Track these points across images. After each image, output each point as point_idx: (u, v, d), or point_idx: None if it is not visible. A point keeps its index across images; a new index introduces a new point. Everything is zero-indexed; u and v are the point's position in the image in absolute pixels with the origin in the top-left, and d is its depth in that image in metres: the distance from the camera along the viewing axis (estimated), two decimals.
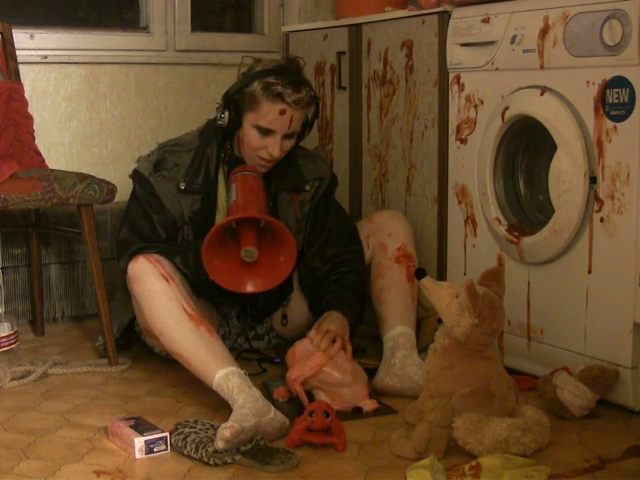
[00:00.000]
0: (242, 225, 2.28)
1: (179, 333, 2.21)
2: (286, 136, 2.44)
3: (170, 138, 2.61)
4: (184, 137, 2.59)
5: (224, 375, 2.12)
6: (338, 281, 2.54)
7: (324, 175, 2.62)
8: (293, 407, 2.21)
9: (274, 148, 2.43)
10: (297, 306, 2.66)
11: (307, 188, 2.58)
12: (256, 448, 1.95)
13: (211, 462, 1.92)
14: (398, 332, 2.44)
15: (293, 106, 2.39)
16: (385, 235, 2.60)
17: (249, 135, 2.45)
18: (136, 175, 2.53)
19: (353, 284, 2.54)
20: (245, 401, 2.03)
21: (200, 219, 2.49)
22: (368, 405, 2.23)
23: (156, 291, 2.25)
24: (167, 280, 2.26)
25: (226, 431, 1.92)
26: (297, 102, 2.39)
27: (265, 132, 2.42)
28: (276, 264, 2.28)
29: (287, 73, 2.42)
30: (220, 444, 1.93)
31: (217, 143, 2.51)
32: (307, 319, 2.64)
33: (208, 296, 2.53)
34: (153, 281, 2.26)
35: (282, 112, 2.39)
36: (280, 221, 2.31)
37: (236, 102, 2.44)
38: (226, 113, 2.45)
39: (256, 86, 2.40)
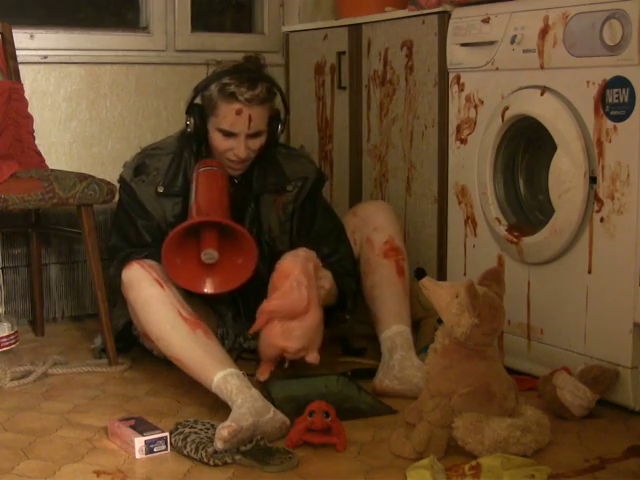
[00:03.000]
0: (204, 226, 2.29)
1: (176, 338, 2.21)
2: (250, 135, 2.44)
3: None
4: (165, 140, 2.62)
5: (222, 377, 2.12)
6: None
7: (308, 174, 2.60)
8: (293, 407, 2.21)
9: (239, 149, 2.43)
10: None
11: (289, 188, 2.56)
12: (256, 448, 1.95)
13: (211, 462, 1.92)
14: (394, 331, 2.43)
15: (248, 104, 2.39)
16: (371, 229, 2.57)
17: (214, 139, 2.46)
18: (120, 181, 2.56)
19: (346, 282, 2.52)
20: (244, 401, 2.03)
21: (182, 222, 2.49)
22: (310, 358, 2.27)
23: (150, 296, 2.26)
24: (161, 285, 2.27)
25: (224, 430, 1.92)
26: (251, 99, 2.39)
27: (227, 134, 2.43)
28: (236, 266, 2.30)
29: (242, 71, 2.43)
30: (219, 444, 1.92)
31: (193, 149, 2.53)
32: None
33: (202, 298, 2.53)
34: (147, 287, 2.27)
35: (238, 112, 2.39)
36: (241, 225, 2.32)
37: (199, 107, 2.47)
38: (191, 120, 2.47)
39: (213, 88, 2.42)
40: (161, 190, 2.50)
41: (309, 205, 2.59)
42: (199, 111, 2.47)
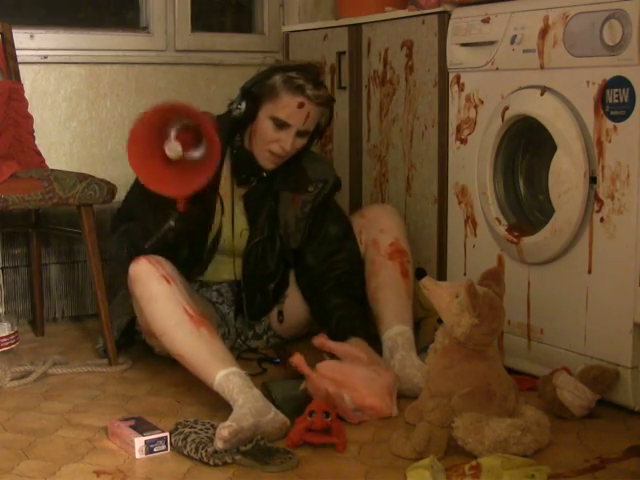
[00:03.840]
0: (169, 126, 2.26)
1: (180, 334, 2.21)
2: (300, 133, 2.46)
3: None
4: None
5: (225, 375, 2.12)
6: (338, 289, 2.54)
7: (328, 177, 2.63)
8: (293, 407, 2.20)
9: (286, 142, 2.45)
10: (293, 303, 2.67)
11: (310, 189, 2.59)
12: (256, 448, 1.95)
13: (211, 462, 1.92)
14: (396, 332, 2.43)
15: (312, 100, 2.43)
16: (377, 231, 2.59)
17: (263, 126, 2.46)
18: None
19: (352, 289, 2.54)
20: (245, 401, 2.03)
21: (199, 212, 2.48)
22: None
23: (157, 292, 2.26)
24: (168, 281, 2.27)
25: (224, 430, 1.92)
26: (317, 97, 2.43)
27: (280, 125, 2.44)
28: (199, 169, 2.25)
29: (308, 71, 2.47)
30: (219, 444, 1.93)
31: (226, 136, 2.50)
32: (303, 316, 2.66)
33: (204, 298, 2.54)
34: (154, 282, 2.27)
35: (301, 105, 2.42)
36: (210, 126, 2.25)
37: (253, 94, 2.47)
38: (243, 104, 2.47)
39: (277, 78, 2.44)
40: None
41: (324, 207, 2.62)
42: (252, 97, 2.47)
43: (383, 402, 2.20)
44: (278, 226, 2.59)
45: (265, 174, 2.55)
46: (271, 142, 2.46)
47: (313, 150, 2.67)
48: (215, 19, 3.75)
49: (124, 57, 3.33)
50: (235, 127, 2.51)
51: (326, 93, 2.48)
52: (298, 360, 2.19)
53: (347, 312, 2.50)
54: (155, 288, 2.26)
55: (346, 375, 2.21)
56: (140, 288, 2.29)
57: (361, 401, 2.17)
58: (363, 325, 2.49)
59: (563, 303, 2.35)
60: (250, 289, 2.62)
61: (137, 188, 2.46)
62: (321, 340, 2.32)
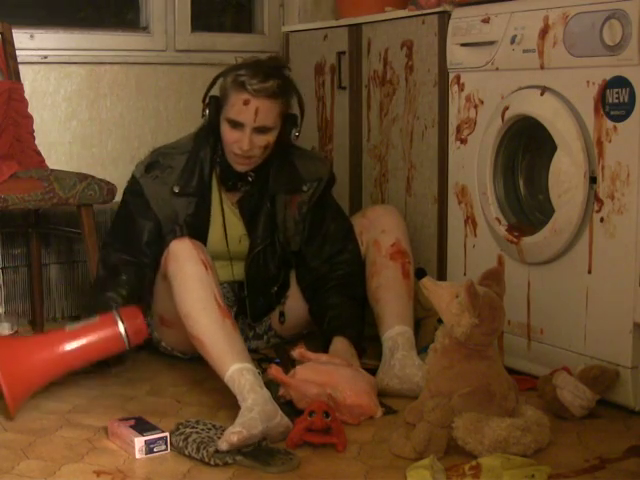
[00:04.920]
0: None
1: (205, 319, 2.20)
2: (257, 130, 2.44)
3: (169, 139, 2.63)
4: (180, 140, 2.63)
5: (239, 369, 2.10)
6: (338, 289, 2.54)
7: (322, 175, 2.62)
8: (293, 407, 2.20)
9: (243, 142, 2.43)
10: (294, 304, 2.67)
11: (304, 189, 2.59)
12: (257, 449, 1.95)
13: (212, 462, 1.92)
14: (397, 332, 2.43)
15: (255, 95, 2.40)
16: (378, 232, 2.59)
17: (223, 130, 2.48)
18: (130, 178, 2.57)
19: (353, 289, 2.55)
20: (254, 403, 2.02)
21: (195, 222, 2.51)
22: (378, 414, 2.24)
23: (192, 274, 2.25)
24: (205, 267, 2.27)
25: (233, 436, 1.91)
26: (259, 90, 2.39)
27: (234, 125, 2.44)
28: None
29: (259, 65, 2.45)
30: (224, 446, 1.91)
31: (210, 145, 2.53)
32: (304, 317, 2.65)
33: None
34: (192, 264, 2.26)
35: (246, 102, 2.40)
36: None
37: (216, 99, 2.49)
38: (206, 111, 2.50)
39: (228, 80, 2.45)
40: (177, 190, 2.51)
41: (321, 205, 2.61)
42: (215, 102, 2.49)
43: (371, 400, 2.21)
44: (277, 230, 2.59)
45: (251, 178, 2.55)
46: (231, 143, 2.46)
47: (305, 147, 2.67)
48: (215, 19, 3.75)
49: (124, 57, 3.33)
50: (210, 135, 2.52)
51: (273, 85, 2.42)
52: (275, 371, 2.19)
53: (340, 311, 2.51)
54: (191, 269, 2.25)
55: (328, 374, 2.21)
56: (175, 266, 2.28)
57: (346, 399, 2.17)
58: (354, 325, 2.50)
59: (563, 303, 2.35)
60: (253, 293, 2.62)
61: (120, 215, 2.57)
62: (300, 351, 2.32)
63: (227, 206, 2.58)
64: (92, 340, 2.27)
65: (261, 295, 2.63)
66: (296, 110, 2.56)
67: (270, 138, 2.48)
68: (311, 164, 2.63)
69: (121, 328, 2.28)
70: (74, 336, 2.27)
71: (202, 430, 2.02)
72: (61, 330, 2.33)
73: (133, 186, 2.55)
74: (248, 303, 2.63)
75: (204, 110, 2.51)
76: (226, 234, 2.57)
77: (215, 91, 2.52)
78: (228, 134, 2.46)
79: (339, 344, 2.44)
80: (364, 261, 2.61)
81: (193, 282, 2.24)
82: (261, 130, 2.45)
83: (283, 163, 2.56)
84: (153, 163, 2.54)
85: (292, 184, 2.58)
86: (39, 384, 2.26)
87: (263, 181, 2.56)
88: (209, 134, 2.53)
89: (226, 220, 2.58)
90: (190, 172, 2.52)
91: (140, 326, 2.31)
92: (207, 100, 2.51)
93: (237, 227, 2.59)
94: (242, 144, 2.43)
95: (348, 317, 2.51)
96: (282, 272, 2.64)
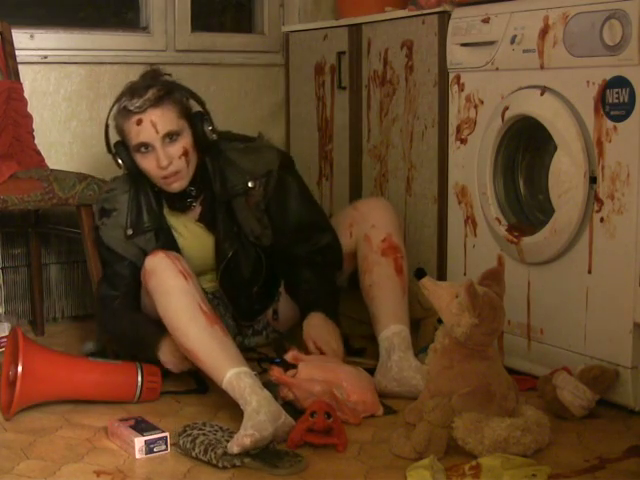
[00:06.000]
0: None
1: (193, 329, 2.19)
2: (166, 141, 2.39)
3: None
4: (115, 180, 2.60)
5: (236, 374, 2.10)
6: (311, 266, 2.54)
7: (271, 167, 2.54)
8: (294, 407, 2.20)
9: (160, 158, 2.38)
10: (286, 302, 2.66)
11: (251, 185, 2.52)
12: (265, 451, 1.94)
13: (220, 464, 1.91)
14: (392, 331, 2.41)
15: (142, 110, 2.37)
16: (369, 226, 2.54)
17: (140, 164, 2.44)
18: (93, 227, 2.60)
19: (324, 268, 2.55)
20: (259, 405, 2.01)
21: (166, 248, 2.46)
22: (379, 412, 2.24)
23: (173, 287, 2.24)
24: (185, 277, 2.26)
25: (246, 439, 1.91)
26: (142, 105, 2.37)
27: (144, 148, 2.40)
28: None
29: (135, 85, 2.43)
30: (235, 449, 1.91)
31: (145, 182, 2.51)
32: (296, 312, 2.63)
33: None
34: (171, 276, 2.25)
35: (138, 122, 2.38)
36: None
37: (119, 143, 2.46)
38: (118, 160, 2.47)
39: (115, 116, 2.43)
40: (130, 232, 2.50)
41: (280, 194, 2.55)
42: (121, 146, 2.46)
43: (374, 397, 2.21)
44: (243, 233, 2.54)
45: (193, 192, 2.51)
46: (153, 169, 2.42)
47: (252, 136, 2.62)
48: (215, 19, 3.75)
49: (124, 57, 3.33)
50: (138, 175, 2.49)
51: (154, 92, 2.38)
52: (278, 373, 2.19)
53: (313, 286, 2.50)
54: (171, 282, 2.25)
55: (332, 371, 2.21)
56: (155, 281, 2.28)
57: (350, 395, 2.17)
58: (328, 299, 2.50)
59: (563, 303, 2.35)
60: (232, 297, 2.60)
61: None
62: (293, 354, 2.31)
63: (193, 225, 2.56)
64: (108, 380, 2.30)
65: (242, 297, 2.61)
66: (198, 108, 2.51)
67: (184, 144, 2.42)
68: (256, 156, 2.55)
69: (139, 380, 2.30)
70: (94, 369, 2.30)
71: (209, 432, 2.01)
72: (85, 358, 2.43)
73: (96, 236, 2.57)
74: (232, 308, 2.62)
75: (116, 160, 2.47)
76: (195, 250, 2.56)
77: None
78: (144, 162, 2.42)
79: (315, 319, 2.43)
80: (354, 255, 2.57)
81: (175, 295, 2.23)
82: (170, 137, 2.39)
83: (222, 164, 2.51)
84: (100, 211, 2.55)
85: (239, 185, 2.51)
86: (44, 399, 2.27)
87: (207, 189, 2.53)
88: (137, 174, 2.49)
89: (197, 238, 2.56)
90: (137, 210, 2.51)
91: (155, 385, 2.33)
92: (113, 150, 2.47)
93: (210, 241, 2.56)
94: (161, 161, 2.38)
95: (321, 291, 2.50)
96: (259, 272, 2.60)
